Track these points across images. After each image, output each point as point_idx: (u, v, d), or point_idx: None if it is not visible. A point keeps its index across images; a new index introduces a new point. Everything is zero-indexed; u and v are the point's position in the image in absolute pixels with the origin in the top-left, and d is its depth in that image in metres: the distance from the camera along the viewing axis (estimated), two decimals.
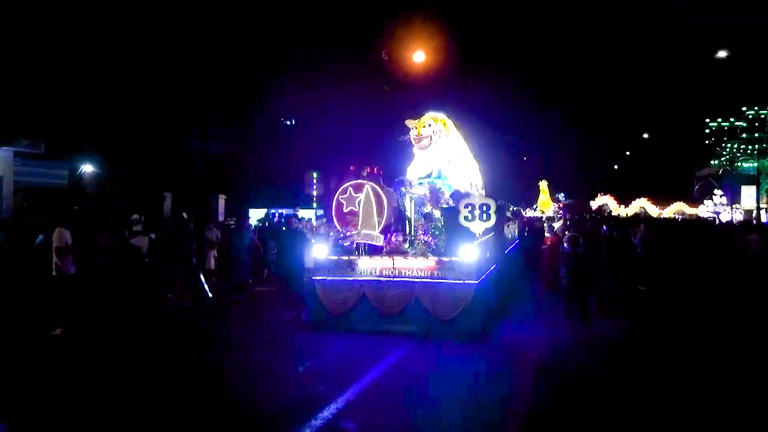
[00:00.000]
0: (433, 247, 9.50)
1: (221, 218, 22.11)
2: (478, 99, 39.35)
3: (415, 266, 9.25)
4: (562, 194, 45.76)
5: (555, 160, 52.09)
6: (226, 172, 29.86)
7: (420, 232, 9.64)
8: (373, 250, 9.94)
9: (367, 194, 10.05)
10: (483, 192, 12.12)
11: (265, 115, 32.17)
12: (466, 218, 9.66)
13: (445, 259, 9.16)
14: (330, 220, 10.34)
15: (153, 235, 12.40)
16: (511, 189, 43.58)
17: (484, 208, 9.63)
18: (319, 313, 9.65)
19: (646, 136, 49.17)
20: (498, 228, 11.18)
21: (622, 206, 42.79)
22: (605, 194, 43.48)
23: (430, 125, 12.09)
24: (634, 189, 45.54)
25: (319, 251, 9.77)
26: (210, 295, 11.47)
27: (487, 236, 10.26)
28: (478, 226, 9.65)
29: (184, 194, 23.82)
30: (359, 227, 9.89)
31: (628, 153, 55.92)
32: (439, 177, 12.51)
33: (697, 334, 8.88)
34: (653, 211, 41.69)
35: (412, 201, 11.99)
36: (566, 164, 53.25)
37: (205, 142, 30.53)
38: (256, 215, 22.28)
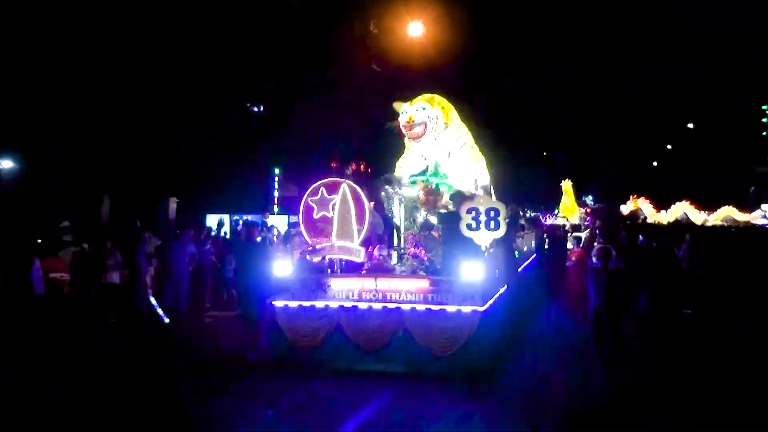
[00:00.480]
0: (427, 263, 8.94)
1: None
2: (489, 82, 38.86)
3: (404, 288, 8.71)
4: (590, 197, 45.30)
5: (582, 155, 51.58)
6: (181, 170, 29.13)
7: (410, 244, 8.99)
8: (350, 268, 9.42)
9: (343, 196, 9.45)
10: (492, 194, 11.49)
11: (229, 101, 31.54)
12: (468, 227, 9.09)
13: (441, 278, 8.63)
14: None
15: (87, 246, 12.00)
16: (528, 191, 43.03)
17: (492, 213, 9.04)
18: (281, 346, 9.12)
19: (690, 126, 48.63)
20: (510, 239, 10.61)
21: (662, 211, 42.09)
22: (639, 197, 42.90)
23: (424, 109, 11.53)
24: (673, 191, 44.99)
25: (281, 268, 9.16)
26: (166, 319, 10.91)
27: (495, 249, 9.72)
28: (484, 237, 9.09)
29: (127, 196, 23.28)
30: (333, 238, 9.32)
31: (669, 147, 55.42)
32: (436, 174, 12.00)
33: (759, 379, 8.36)
34: (697, 217, 41.15)
35: (402, 205, 11.44)
36: (595, 160, 52.92)
37: (155, 134, 29.74)
38: (216, 222, 21.52)
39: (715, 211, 41.50)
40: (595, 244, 11.12)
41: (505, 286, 10.34)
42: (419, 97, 11.84)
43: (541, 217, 32.82)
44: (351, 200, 9.47)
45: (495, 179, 13.88)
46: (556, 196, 38.22)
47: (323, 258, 9.32)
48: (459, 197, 9.76)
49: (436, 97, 11.93)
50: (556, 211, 36.36)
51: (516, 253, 11.89)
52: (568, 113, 49.14)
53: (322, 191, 9.57)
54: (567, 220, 32.52)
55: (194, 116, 28.78)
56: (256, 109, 35.80)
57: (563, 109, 48.67)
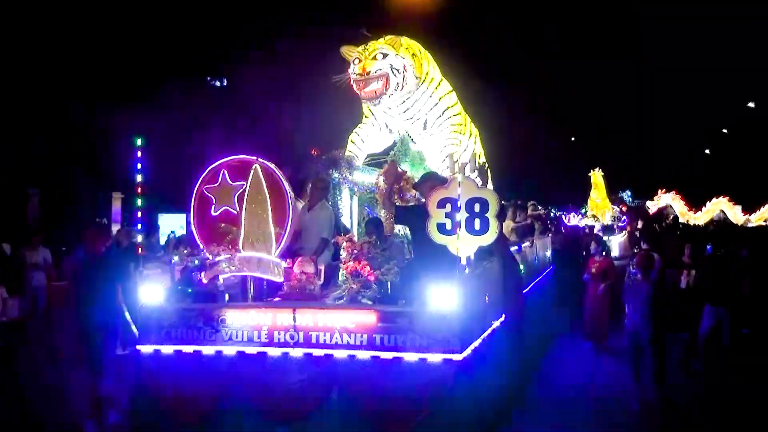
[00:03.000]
0: (375, 286, 6.98)
1: (115, 227, 20.84)
2: (499, 47, 37.29)
3: (338, 325, 6.92)
4: (627, 192, 43.90)
5: (617, 139, 50.57)
6: (124, 160, 27.66)
7: (348, 255, 7.03)
8: (260, 291, 7.78)
9: (255, 182, 7.71)
10: (486, 178, 9.57)
11: (188, 75, 30.32)
12: (440, 228, 7.25)
13: (396, 310, 6.86)
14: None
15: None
16: (549, 186, 41.67)
17: (477, 207, 7.15)
18: (149, 415, 7.39)
19: (751, 105, 47.02)
20: (505, 247, 8.92)
21: (696, 211, 41.11)
22: (668, 192, 41.73)
23: (385, 56, 9.71)
24: (708, 186, 43.95)
25: (150, 293, 7.27)
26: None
27: (484, 263, 8.02)
28: (466, 243, 7.24)
29: (58, 191, 22.93)
30: (240, 244, 7.62)
31: (725, 131, 53.92)
32: (405, 154, 10.18)
33: None
34: (737, 216, 40.27)
35: (354, 196, 9.58)
36: (633, 147, 52.01)
37: (93, 116, 28.37)
38: (171, 223, 21.67)
39: (760, 209, 40.57)
40: (636, 249, 11.38)
41: (502, 318, 8.56)
42: (379, 40, 9.83)
43: (565, 217, 31.62)
44: (266, 189, 7.72)
45: (499, 167, 12.10)
46: (586, 192, 36.81)
47: (216, 278, 7.30)
48: (428, 182, 7.81)
49: (404, 39, 10.02)
50: (583, 209, 34.59)
51: (521, 267, 9.90)
52: (602, 88, 47.99)
53: (223, 175, 7.85)
54: (597, 219, 31.13)
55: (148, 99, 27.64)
56: (217, 83, 35.73)
57: (596, 84, 47.49)
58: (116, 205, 22.15)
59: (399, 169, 9.73)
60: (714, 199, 41.24)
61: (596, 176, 35.56)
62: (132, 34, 28.90)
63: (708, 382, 9.99)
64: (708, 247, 15.23)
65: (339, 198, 9.47)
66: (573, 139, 52.81)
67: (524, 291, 10.27)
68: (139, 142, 7.68)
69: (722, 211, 40.46)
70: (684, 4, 49.17)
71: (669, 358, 9.51)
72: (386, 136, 10.56)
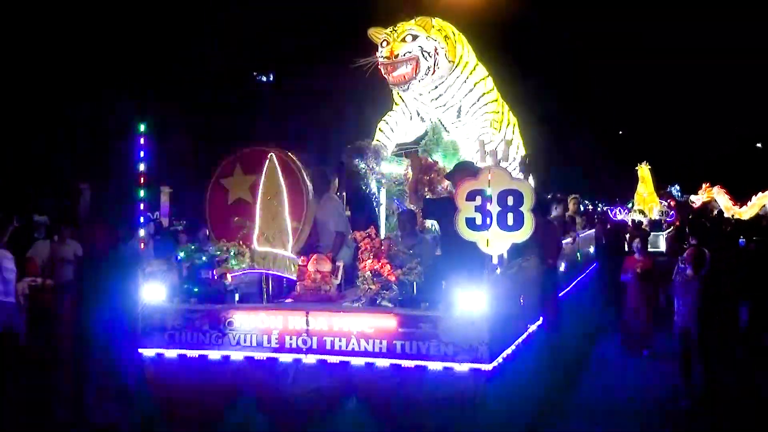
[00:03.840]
0: (395, 287, 6.32)
1: (164, 222, 20.68)
2: (548, 40, 36.35)
3: (355, 329, 6.31)
4: (676, 187, 43.26)
5: (665, 131, 49.45)
6: (170, 153, 27.56)
7: (367, 252, 6.36)
8: (280, 290, 7.32)
9: (270, 172, 7.12)
10: (524, 170, 8.87)
11: (232, 64, 29.92)
12: (469, 223, 6.60)
13: (419, 313, 6.20)
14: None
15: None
16: (595, 179, 40.81)
17: (510, 200, 6.50)
18: (149, 424, 6.86)
19: None
20: (544, 244, 8.17)
21: (741, 205, 39.51)
22: (713, 186, 40.02)
23: (415, 38, 8.92)
24: (753, 179, 42.21)
25: (153, 292, 6.72)
26: None
27: (519, 262, 7.31)
28: (498, 240, 6.58)
29: (107, 186, 22.27)
30: (255, 239, 7.07)
31: None
32: (437, 144, 9.52)
33: None
34: None
35: (382, 189, 8.90)
36: (682, 140, 50.53)
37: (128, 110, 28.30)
38: None
39: None
40: (685, 245, 10.75)
41: (539, 321, 7.90)
42: (409, 21, 9.12)
43: (611, 212, 31.05)
44: (283, 180, 7.11)
45: (535, 157, 11.38)
46: (631, 185, 36.29)
47: (222, 276, 6.68)
48: (459, 172, 7.13)
49: (436, 20, 9.32)
50: (630, 204, 34.24)
51: (561, 266, 9.14)
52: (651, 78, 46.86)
53: (237, 168, 7.30)
54: (644, 214, 30.13)
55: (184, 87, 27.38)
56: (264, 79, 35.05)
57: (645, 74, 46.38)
58: (164, 199, 22.14)
59: (430, 159, 9.03)
60: (759, 194, 39.21)
61: (643, 170, 34.94)
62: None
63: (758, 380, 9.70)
64: (741, 240, 15.43)
65: (368, 188, 8.77)
66: (620, 132, 51.75)
67: (561, 293, 9.52)
68: (142, 128, 7.06)
69: (765, 206, 38.07)
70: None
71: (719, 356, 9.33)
72: (417, 124, 9.87)
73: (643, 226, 23.52)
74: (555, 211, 10.13)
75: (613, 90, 46.16)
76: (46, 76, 25.51)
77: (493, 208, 6.50)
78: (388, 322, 6.20)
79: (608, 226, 16.61)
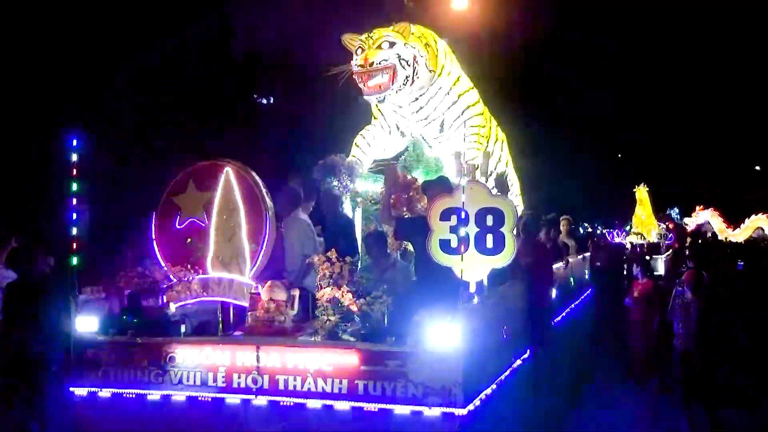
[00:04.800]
0: (357, 318, 5.54)
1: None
2: (544, 61, 35.81)
3: (312, 367, 5.60)
4: (675, 209, 43.25)
5: (663, 152, 49.13)
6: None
7: (325, 278, 5.56)
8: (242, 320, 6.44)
9: (226, 189, 6.50)
10: (506, 184, 8.16)
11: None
12: (445, 245, 5.89)
13: (385, 349, 5.46)
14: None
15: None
16: (595, 201, 40.28)
17: (490, 220, 5.75)
18: None
19: None
20: (533, 268, 7.50)
21: (735, 228, 39.60)
22: (706, 208, 40.88)
23: (392, 45, 8.16)
24: (746, 202, 42.46)
25: (86, 324, 5.94)
26: None
27: (501, 290, 6.56)
28: (474, 266, 5.86)
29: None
30: (209, 262, 6.43)
31: None
32: (418, 161, 8.80)
33: None
34: None
35: (357, 208, 8.17)
36: (679, 160, 50.38)
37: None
38: None
39: None
40: (684, 266, 11.15)
41: (526, 354, 7.13)
42: (387, 28, 8.40)
43: (608, 234, 30.97)
44: (240, 197, 6.49)
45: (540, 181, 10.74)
46: (630, 207, 36.19)
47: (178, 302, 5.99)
48: (433, 187, 6.44)
49: (416, 27, 8.56)
50: (627, 227, 34.55)
51: (552, 291, 8.36)
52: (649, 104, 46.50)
53: (190, 184, 6.66)
54: (642, 237, 30.53)
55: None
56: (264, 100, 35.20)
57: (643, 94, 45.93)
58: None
59: (409, 176, 8.26)
60: (753, 216, 39.84)
61: (641, 192, 34.77)
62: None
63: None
64: (739, 263, 15.60)
65: (340, 208, 8.01)
66: (619, 155, 51.35)
67: (555, 320, 8.73)
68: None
69: (761, 228, 38.79)
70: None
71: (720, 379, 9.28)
72: (397, 139, 9.14)
73: (642, 249, 23.12)
74: (545, 234, 9.36)
75: (613, 112, 45.79)
76: None
77: (470, 228, 5.76)
78: (349, 359, 5.47)
79: (603, 250, 15.92)
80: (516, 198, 10.60)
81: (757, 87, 47.71)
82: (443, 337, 5.23)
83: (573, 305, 10.48)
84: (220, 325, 6.34)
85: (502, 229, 5.73)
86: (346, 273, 5.63)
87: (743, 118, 51.23)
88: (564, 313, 9.52)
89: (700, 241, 30.83)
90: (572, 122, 39.50)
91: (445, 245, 5.79)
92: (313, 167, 8.29)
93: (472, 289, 5.85)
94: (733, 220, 40.43)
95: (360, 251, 8.12)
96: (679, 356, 9.12)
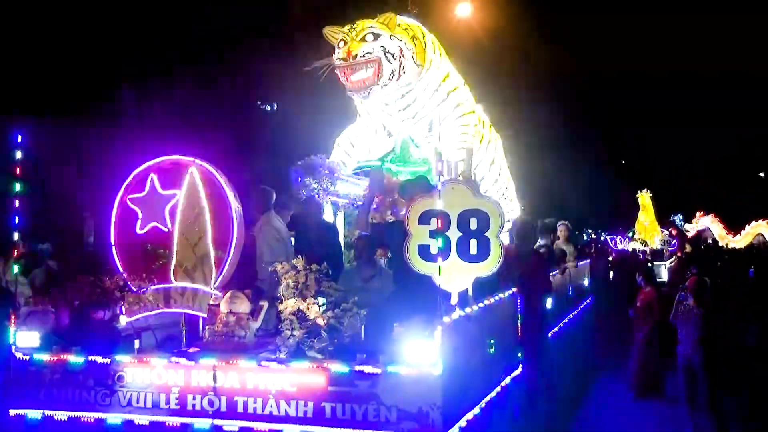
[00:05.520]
0: (324, 332, 4.90)
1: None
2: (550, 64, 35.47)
3: (274, 388, 5.04)
4: (679, 216, 42.44)
5: (668, 160, 48.83)
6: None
7: (290, 288, 4.97)
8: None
9: (191, 190, 5.96)
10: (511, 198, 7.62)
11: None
12: (424, 251, 5.31)
13: (355, 369, 4.88)
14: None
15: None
16: (597, 207, 39.92)
17: (474, 223, 5.22)
18: None
19: None
20: (529, 277, 6.94)
21: (735, 234, 39.84)
22: (706, 214, 40.97)
23: (376, 37, 7.60)
24: (747, 208, 42.43)
25: (26, 339, 5.40)
26: None
27: (488, 301, 5.89)
28: (457, 274, 5.31)
29: None
30: (172, 270, 5.92)
31: None
32: (403, 161, 8.18)
33: None
34: None
35: (339, 213, 7.61)
36: (684, 167, 49.94)
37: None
38: None
39: None
40: (688, 273, 10.86)
41: (518, 370, 6.56)
42: (371, 19, 7.84)
43: (611, 240, 30.78)
44: (206, 199, 5.94)
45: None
46: (633, 213, 35.85)
47: (115, 318, 5.39)
48: (410, 189, 5.79)
49: (402, 18, 7.94)
50: (630, 233, 33.94)
51: (548, 300, 7.76)
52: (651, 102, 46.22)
53: (152, 182, 6.12)
54: (645, 244, 30.35)
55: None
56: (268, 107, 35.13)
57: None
58: None
59: (394, 178, 7.68)
60: (753, 223, 39.97)
61: (644, 198, 34.61)
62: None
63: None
64: (750, 271, 15.64)
65: (320, 211, 7.43)
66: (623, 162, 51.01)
67: (551, 332, 8.12)
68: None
69: (761, 235, 39.03)
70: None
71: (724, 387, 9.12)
72: (383, 139, 8.59)
73: (645, 255, 22.71)
74: (542, 240, 8.77)
75: (616, 119, 45.62)
76: None
77: (452, 233, 5.16)
78: (315, 379, 4.91)
79: (611, 258, 15.51)
80: (512, 202, 10.07)
81: (759, 88, 47.56)
82: (420, 354, 4.67)
83: (571, 315, 9.92)
84: (184, 340, 5.79)
85: (487, 234, 5.15)
86: (312, 282, 5.03)
87: (748, 124, 51.06)
88: (561, 324, 8.95)
89: (702, 247, 30.70)
90: (577, 128, 39.27)
91: (424, 251, 5.23)
92: (291, 169, 7.73)
93: (455, 300, 5.26)
94: (734, 226, 40.54)
95: (345, 258, 7.58)
96: (683, 363, 8.95)
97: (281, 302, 5.05)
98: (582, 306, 10.90)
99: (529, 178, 11.23)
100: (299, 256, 5.25)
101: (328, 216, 7.88)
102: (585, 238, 30.88)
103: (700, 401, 8.82)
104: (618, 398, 10.31)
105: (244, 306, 5.31)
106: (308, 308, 4.94)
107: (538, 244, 8.48)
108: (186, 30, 20.08)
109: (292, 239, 7.09)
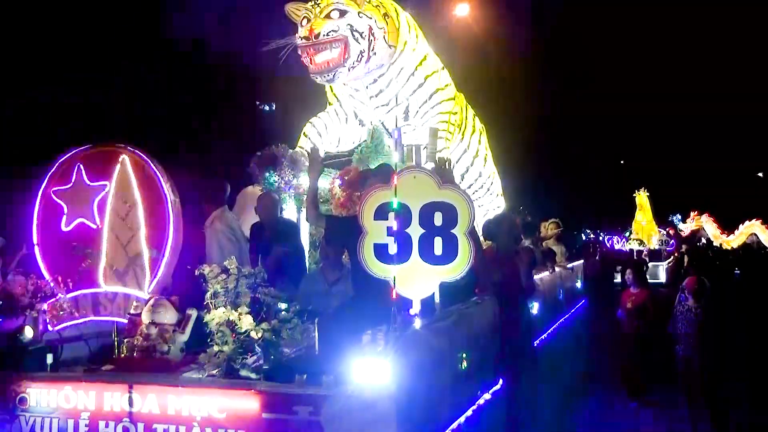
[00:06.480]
0: (259, 347, 4.12)
1: None
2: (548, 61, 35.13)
3: (199, 411, 4.19)
4: (678, 216, 42.89)
5: (666, 160, 49.57)
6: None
7: (221, 298, 4.16)
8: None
9: (122, 181, 5.31)
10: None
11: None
12: (381, 251, 4.53)
13: (290, 390, 4.10)
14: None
15: None
16: (595, 207, 39.74)
17: (438, 218, 4.45)
18: None
19: None
20: (510, 280, 6.22)
21: (729, 234, 40.06)
22: (701, 214, 41.17)
23: (343, 14, 6.82)
24: (741, 207, 42.86)
25: None
26: None
27: (461, 308, 5.20)
28: (419, 278, 4.51)
29: None
30: (101, 272, 5.25)
31: None
32: (375, 151, 7.58)
33: None
34: None
35: (302, 209, 6.92)
36: (682, 167, 51.24)
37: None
38: None
39: None
40: (689, 274, 10.21)
41: (498, 385, 5.73)
42: None
43: (607, 240, 30.59)
44: (138, 192, 5.30)
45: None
46: (630, 212, 36.16)
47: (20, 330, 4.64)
48: (372, 179, 5.18)
49: None
50: (627, 233, 34.39)
51: (534, 305, 6.97)
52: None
53: (78, 172, 5.47)
54: (642, 244, 30.19)
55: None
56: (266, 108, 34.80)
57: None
58: None
59: (358, 169, 6.93)
60: (747, 222, 40.28)
61: (641, 197, 34.67)
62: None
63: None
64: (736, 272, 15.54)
65: (276, 209, 6.60)
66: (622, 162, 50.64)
67: (538, 339, 7.33)
68: None
69: (755, 235, 39.40)
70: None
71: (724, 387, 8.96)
72: (354, 128, 7.79)
73: (642, 255, 22.24)
74: (526, 240, 7.98)
75: (615, 121, 45.58)
76: None
77: (413, 230, 4.33)
78: (248, 404, 4.08)
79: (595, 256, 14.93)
80: (497, 198, 9.30)
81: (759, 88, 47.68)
82: (371, 374, 3.85)
83: (562, 319, 9.14)
84: (116, 351, 5.00)
85: (454, 231, 4.33)
86: (244, 289, 4.21)
87: (746, 124, 51.21)
88: (550, 330, 8.16)
89: (698, 245, 30.47)
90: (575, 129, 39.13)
91: (381, 251, 4.41)
92: (250, 160, 6.94)
93: (416, 308, 4.44)
94: (728, 226, 40.70)
95: (313, 258, 6.81)
96: (682, 363, 8.76)
97: (209, 312, 4.24)
98: (574, 310, 10.15)
99: (527, 177, 10.48)
100: (232, 257, 4.46)
101: (291, 212, 7.10)
102: (583, 237, 30.50)
103: (700, 401, 8.63)
104: (610, 406, 9.70)
105: (169, 315, 4.50)
106: (240, 319, 4.12)
107: (522, 244, 7.70)
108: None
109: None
